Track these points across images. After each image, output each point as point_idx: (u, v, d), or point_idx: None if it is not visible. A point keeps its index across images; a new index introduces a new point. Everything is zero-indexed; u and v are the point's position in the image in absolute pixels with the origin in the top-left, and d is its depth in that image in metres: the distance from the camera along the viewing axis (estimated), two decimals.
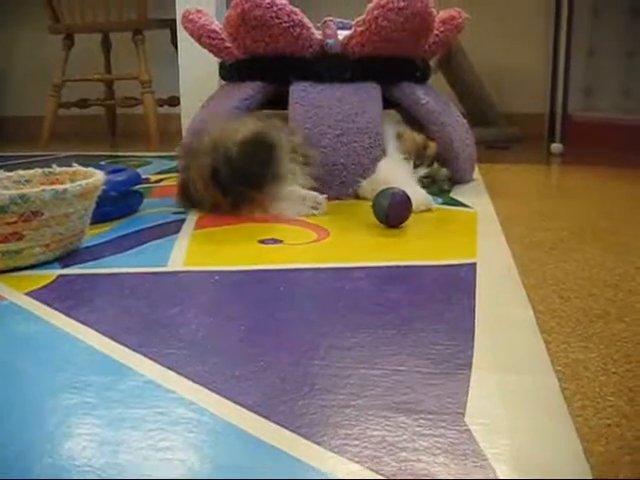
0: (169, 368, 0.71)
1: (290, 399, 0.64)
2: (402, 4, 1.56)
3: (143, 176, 1.64)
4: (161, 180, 1.92)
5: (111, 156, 2.56)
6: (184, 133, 2.62)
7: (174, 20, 2.64)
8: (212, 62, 2.43)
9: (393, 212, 1.29)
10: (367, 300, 0.92)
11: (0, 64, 3.75)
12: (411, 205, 1.31)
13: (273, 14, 1.58)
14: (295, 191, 1.45)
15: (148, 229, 1.33)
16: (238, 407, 0.62)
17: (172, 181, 1.90)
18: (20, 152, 2.75)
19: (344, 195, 1.58)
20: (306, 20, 1.63)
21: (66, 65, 2.91)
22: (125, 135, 3.40)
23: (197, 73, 2.56)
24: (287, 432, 0.58)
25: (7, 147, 3.04)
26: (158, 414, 0.62)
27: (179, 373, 0.70)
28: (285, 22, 1.59)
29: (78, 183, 1.10)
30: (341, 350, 0.75)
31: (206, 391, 0.66)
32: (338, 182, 1.57)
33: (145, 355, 0.74)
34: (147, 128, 2.79)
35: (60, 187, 1.06)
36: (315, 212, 1.43)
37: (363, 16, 1.61)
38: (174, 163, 2.24)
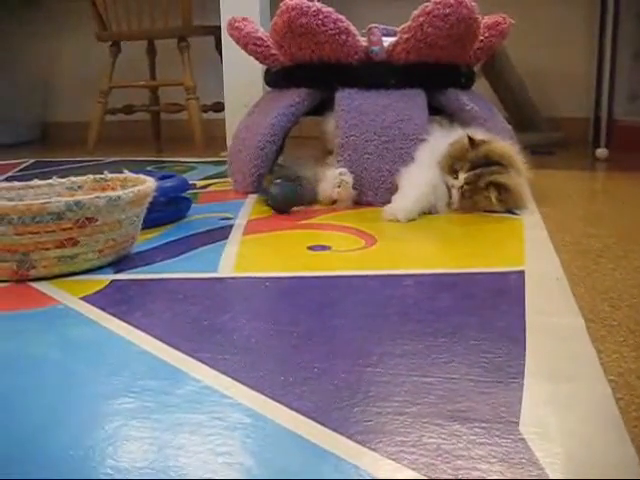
0: (224, 374, 0.72)
1: (345, 405, 0.65)
2: (448, 10, 1.56)
3: (189, 182, 1.66)
4: (207, 186, 1.94)
5: (156, 161, 2.59)
6: (228, 138, 2.65)
7: (218, 27, 2.67)
8: (256, 68, 2.46)
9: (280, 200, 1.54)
10: (416, 307, 0.92)
11: (47, 71, 3.82)
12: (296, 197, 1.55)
13: (319, 21, 1.59)
14: (327, 172, 1.60)
15: (197, 235, 1.35)
16: (294, 413, 0.63)
17: (218, 187, 1.92)
18: (67, 157, 2.80)
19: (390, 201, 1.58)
20: (352, 27, 1.64)
21: (113, 72, 2.95)
22: (169, 140, 3.44)
23: (241, 79, 2.58)
24: (343, 438, 0.59)
25: (54, 152, 3.10)
26: (215, 419, 0.63)
27: (234, 379, 0.71)
28: (331, 29, 1.60)
29: (131, 190, 1.12)
30: (393, 357, 0.76)
31: (262, 397, 0.67)
32: (384, 189, 1.57)
33: (200, 360, 0.76)
34: (192, 134, 2.82)
35: (113, 194, 1.09)
36: (338, 190, 1.55)
37: (408, 23, 1.62)
38: (219, 169, 2.27)
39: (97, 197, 1.06)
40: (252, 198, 1.72)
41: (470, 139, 1.50)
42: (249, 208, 1.61)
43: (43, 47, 3.80)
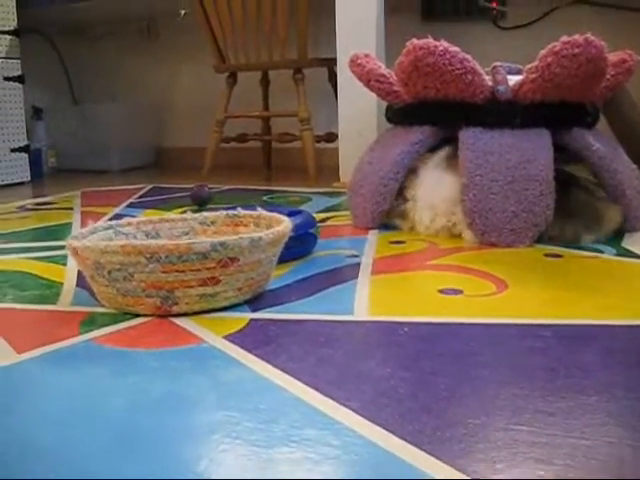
0: (379, 425, 0.73)
1: (506, 467, 0.65)
2: (577, 50, 1.55)
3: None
4: (326, 219, 1.97)
5: (271, 191, 2.64)
6: (341, 169, 2.69)
7: (333, 59, 2.72)
8: (371, 100, 2.50)
9: None
10: (560, 362, 0.91)
11: (163, 99, 3.96)
12: None
13: (446, 61, 1.60)
14: None
15: (325, 273, 1.37)
16: (458, 473, 0.64)
17: (337, 220, 1.95)
18: (183, 184, 2.88)
19: (515, 243, 1.57)
20: (478, 67, 1.64)
21: (228, 102, 3.04)
22: (279, 168, 3.51)
23: (356, 111, 2.62)
24: None
25: (169, 178, 3.21)
26: (379, 474, 0.64)
27: (390, 431, 0.72)
28: (458, 69, 1.61)
29: (271, 231, 1.15)
30: (546, 416, 0.75)
31: (421, 453, 0.68)
32: (508, 230, 1.56)
33: (352, 410, 0.77)
34: (305, 164, 2.87)
35: (256, 235, 1.12)
36: None
37: (535, 62, 1.61)
38: (334, 201, 2.30)
39: (241, 238, 1.10)
40: (373, 234, 1.74)
41: None
42: (373, 245, 1.62)
43: (161, 76, 3.95)
